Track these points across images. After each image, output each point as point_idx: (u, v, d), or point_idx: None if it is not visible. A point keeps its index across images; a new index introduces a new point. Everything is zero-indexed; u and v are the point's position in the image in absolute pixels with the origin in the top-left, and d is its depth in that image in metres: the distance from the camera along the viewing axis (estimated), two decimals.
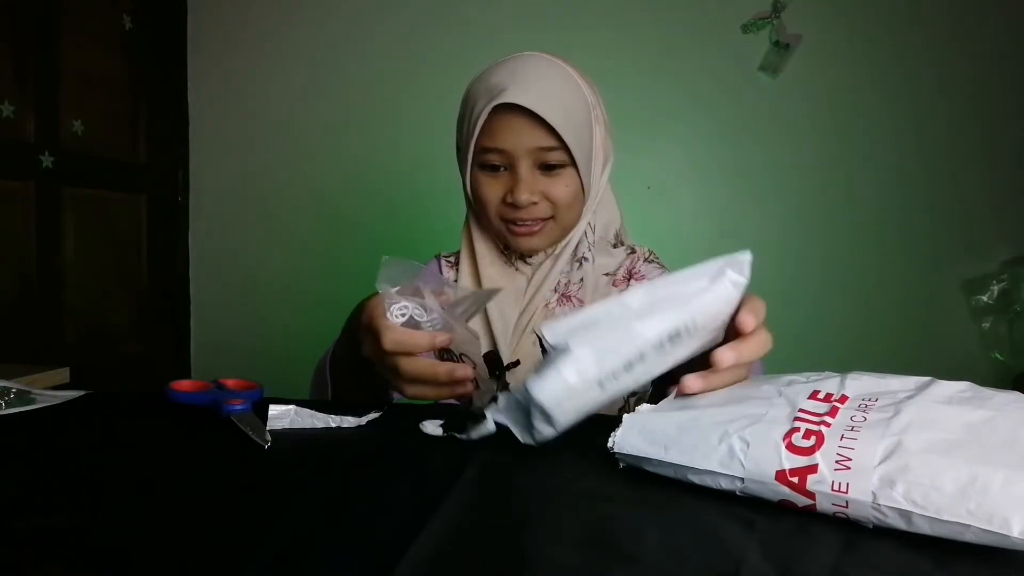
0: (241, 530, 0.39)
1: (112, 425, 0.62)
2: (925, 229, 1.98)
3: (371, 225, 2.20)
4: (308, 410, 0.60)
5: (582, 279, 0.87)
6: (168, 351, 2.30)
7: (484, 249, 0.89)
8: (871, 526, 0.37)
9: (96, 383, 0.79)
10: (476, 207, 0.87)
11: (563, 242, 0.87)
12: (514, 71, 0.79)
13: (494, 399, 0.54)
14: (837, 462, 0.38)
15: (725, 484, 0.42)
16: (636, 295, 0.49)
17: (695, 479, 0.43)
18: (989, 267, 1.95)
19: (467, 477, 0.47)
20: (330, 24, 2.21)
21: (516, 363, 0.84)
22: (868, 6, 1.95)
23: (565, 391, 0.46)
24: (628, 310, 0.48)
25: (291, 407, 0.60)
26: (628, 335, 0.46)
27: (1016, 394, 0.41)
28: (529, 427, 0.50)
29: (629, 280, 0.91)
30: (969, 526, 0.34)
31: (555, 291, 0.86)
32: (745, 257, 0.49)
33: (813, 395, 0.44)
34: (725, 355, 0.48)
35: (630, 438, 0.46)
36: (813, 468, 0.38)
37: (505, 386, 0.84)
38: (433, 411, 0.62)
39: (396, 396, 0.78)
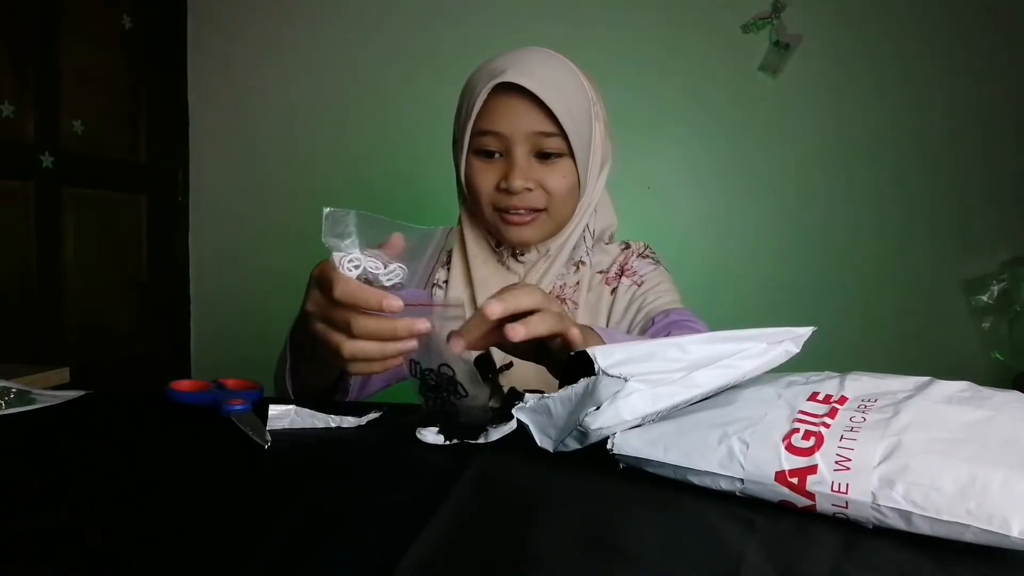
0: (241, 530, 0.39)
1: (112, 425, 0.62)
2: (925, 229, 1.98)
3: None
4: (308, 410, 0.60)
5: (578, 282, 0.87)
6: (168, 351, 2.30)
7: (476, 248, 0.88)
8: (871, 526, 0.37)
9: (96, 383, 0.79)
10: (469, 197, 0.85)
11: (558, 243, 0.86)
12: (517, 57, 0.79)
13: (515, 398, 0.53)
14: (836, 463, 0.38)
15: (725, 485, 0.42)
16: (696, 344, 0.49)
17: (695, 480, 0.43)
18: (989, 267, 1.95)
19: (467, 477, 0.47)
20: (330, 24, 2.21)
21: (509, 365, 0.83)
22: (868, 6, 1.95)
23: (616, 424, 0.47)
24: (685, 354, 0.48)
25: (291, 407, 0.60)
26: (685, 382, 0.47)
27: (1016, 394, 0.41)
28: (553, 435, 0.51)
29: (621, 276, 0.89)
30: (969, 526, 0.34)
31: (550, 293, 0.86)
32: (806, 331, 0.49)
33: (812, 396, 0.44)
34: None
35: (630, 439, 0.46)
36: (813, 469, 0.38)
37: (498, 388, 0.84)
38: (428, 419, 0.62)
39: (354, 384, 0.75)
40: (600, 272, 0.89)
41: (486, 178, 0.81)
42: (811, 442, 0.39)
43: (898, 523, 0.36)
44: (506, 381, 0.83)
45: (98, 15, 1.99)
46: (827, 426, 0.40)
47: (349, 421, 0.60)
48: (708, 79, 2.03)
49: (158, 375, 2.18)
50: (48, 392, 0.71)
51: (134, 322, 2.17)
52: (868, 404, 0.42)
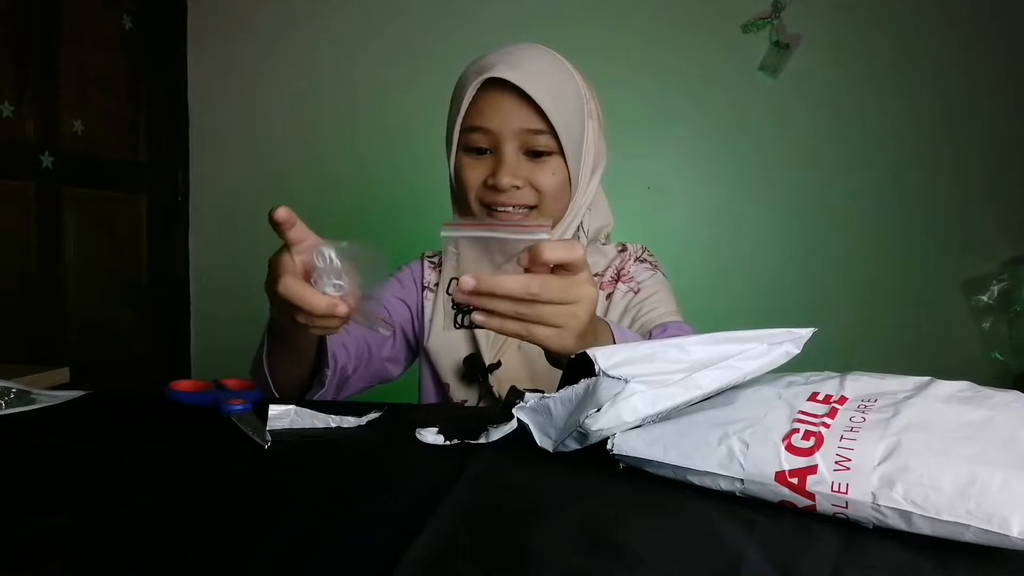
0: (241, 530, 0.39)
1: (112, 425, 0.62)
2: (925, 229, 1.98)
3: (372, 225, 2.20)
4: (308, 410, 0.60)
5: None
6: (168, 351, 2.30)
7: (467, 247, 0.87)
8: (871, 526, 0.37)
9: (96, 383, 0.79)
10: (458, 194, 0.84)
11: None
12: (508, 53, 0.78)
13: (515, 397, 0.54)
14: (836, 463, 0.38)
15: (725, 485, 0.42)
16: (697, 345, 0.49)
17: (695, 480, 0.43)
18: (989, 267, 1.95)
19: (467, 477, 0.47)
20: (330, 24, 2.21)
21: (497, 364, 0.83)
22: (868, 6, 1.95)
23: (616, 425, 0.47)
24: (686, 355, 0.48)
25: (291, 407, 0.60)
26: (686, 383, 0.47)
27: (1016, 394, 0.41)
28: (553, 435, 0.51)
29: (617, 282, 0.88)
30: (969, 526, 0.34)
31: None
32: (806, 332, 0.49)
33: (812, 397, 0.44)
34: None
35: (630, 439, 0.46)
36: (813, 469, 0.38)
37: (488, 390, 0.83)
38: (428, 419, 0.62)
39: (330, 381, 0.76)
40: (595, 275, 0.89)
41: (473, 173, 0.80)
42: (811, 442, 0.39)
43: (898, 523, 0.36)
44: (495, 381, 0.83)
45: (98, 15, 1.99)
46: (827, 426, 0.40)
47: (349, 421, 0.60)
48: (708, 79, 2.03)
49: (158, 375, 2.18)
50: (48, 392, 0.71)
51: (134, 322, 2.17)
52: (868, 404, 0.42)
